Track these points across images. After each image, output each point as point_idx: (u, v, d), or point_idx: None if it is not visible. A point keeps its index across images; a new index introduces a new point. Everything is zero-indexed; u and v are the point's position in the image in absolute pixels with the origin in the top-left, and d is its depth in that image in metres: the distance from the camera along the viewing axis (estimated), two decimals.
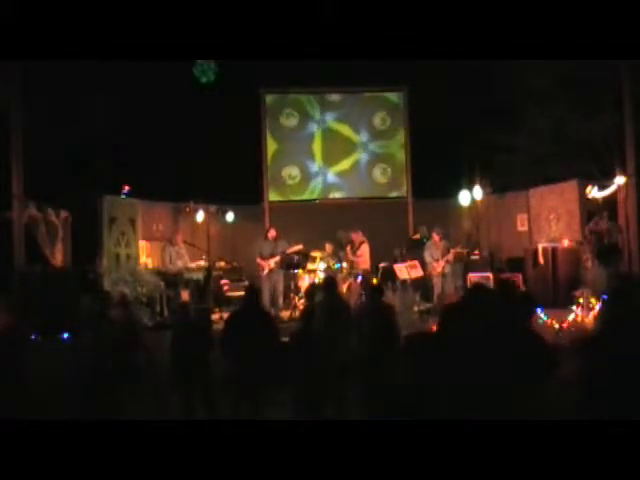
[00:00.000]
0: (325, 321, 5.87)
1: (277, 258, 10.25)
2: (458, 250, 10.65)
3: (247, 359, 5.51)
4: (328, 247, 10.84)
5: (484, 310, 4.67)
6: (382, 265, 11.55)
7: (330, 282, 6.53)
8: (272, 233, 10.54)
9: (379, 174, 13.99)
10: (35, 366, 5.85)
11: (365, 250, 10.76)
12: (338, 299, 6.44)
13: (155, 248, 11.48)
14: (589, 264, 9.96)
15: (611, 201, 10.43)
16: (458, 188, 11.97)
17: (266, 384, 5.63)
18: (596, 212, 10.50)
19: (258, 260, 10.31)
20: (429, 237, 11.32)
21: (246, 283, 10.39)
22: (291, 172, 13.88)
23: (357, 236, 10.83)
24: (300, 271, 10.68)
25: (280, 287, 10.44)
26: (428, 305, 9.64)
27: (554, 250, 10.70)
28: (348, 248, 10.86)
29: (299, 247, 10.39)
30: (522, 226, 12.63)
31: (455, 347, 4.19)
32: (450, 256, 10.42)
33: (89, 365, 5.73)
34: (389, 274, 10.78)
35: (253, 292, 6.10)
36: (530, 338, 4.24)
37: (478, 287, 5.41)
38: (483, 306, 4.73)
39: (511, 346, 4.16)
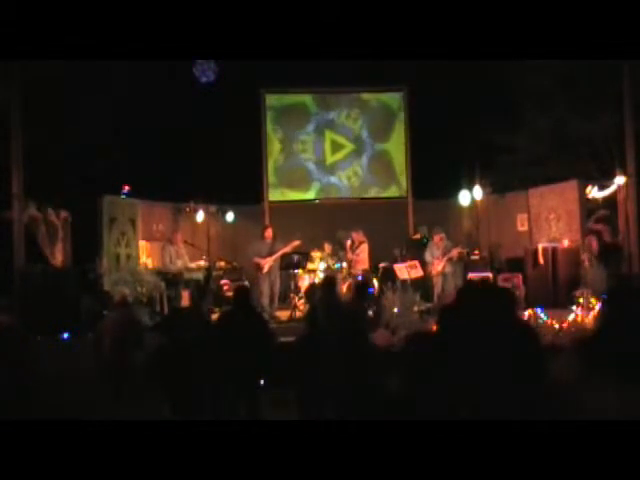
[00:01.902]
0: (324, 321, 5.86)
1: (275, 257, 10.21)
2: (459, 250, 10.66)
3: (236, 359, 5.48)
4: (327, 247, 10.84)
5: (480, 308, 4.66)
6: (382, 265, 11.55)
7: (330, 282, 6.52)
8: (269, 233, 10.50)
9: (380, 174, 14.00)
10: (35, 366, 5.85)
11: (364, 250, 10.76)
12: (338, 299, 6.42)
13: (155, 248, 11.48)
14: (589, 264, 9.96)
15: (611, 201, 10.44)
16: (458, 188, 11.97)
17: (259, 384, 5.62)
18: (595, 211, 10.52)
19: (257, 259, 10.23)
20: (429, 237, 11.32)
21: (246, 283, 10.39)
22: (291, 172, 13.88)
23: (357, 236, 10.83)
24: (300, 271, 10.67)
25: (277, 287, 10.40)
26: (428, 305, 9.64)
27: (554, 250, 10.70)
28: (348, 245, 10.87)
29: (297, 243, 10.33)
30: (522, 226, 12.63)
31: (454, 346, 4.19)
32: (453, 253, 10.42)
33: (89, 365, 5.73)
34: (389, 274, 10.78)
35: (242, 292, 6.06)
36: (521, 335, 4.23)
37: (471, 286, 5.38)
38: (478, 305, 4.71)
39: (505, 344, 4.16)
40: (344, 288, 10.09)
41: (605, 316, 4.05)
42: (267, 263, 10.13)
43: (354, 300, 6.60)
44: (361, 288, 6.33)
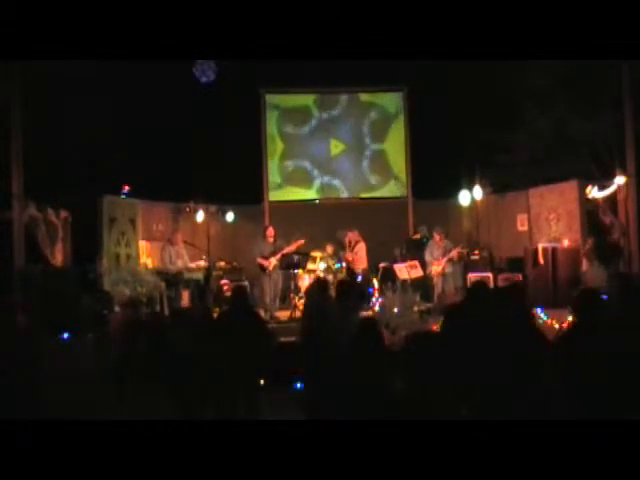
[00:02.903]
0: (314, 323, 5.86)
1: (278, 256, 10.24)
2: (459, 250, 10.67)
3: (233, 359, 5.48)
4: (329, 247, 10.84)
5: (485, 309, 4.66)
6: (382, 265, 11.56)
7: (322, 284, 6.49)
8: (270, 232, 10.53)
9: (380, 174, 14.00)
10: (35, 366, 5.85)
11: (362, 248, 10.78)
12: (330, 301, 6.38)
13: (155, 248, 11.48)
14: (588, 264, 9.96)
15: (611, 201, 10.43)
16: (458, 188, 11.98)
17: (255, 384, 5.62)
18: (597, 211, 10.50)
19: (260, 260, 10.25)
20: (429, 237, 11.34)
21: (245, 283, 10.39)
22: (292, 172, 13.88)
23: (353, 235, 10.88)
24: (300, 271, 10.68)
25: (279, 287, 10.43)
26: (428, 305, 9.65)
27: (554, 250, 10.71)
28: (347, 243, 10.90)
29: (301, 242, 10.34)
30: (522, 226, 12.63)
31: (457, 347, 4.19)
32: (454, 253, 10.45)
33: (89, 365, 5.73)
34: (389, 274, 10.79)
35: (240, 292, 6.05)
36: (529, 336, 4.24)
37: (478, 286, 5.36)
38: (484, 305, 4.71)
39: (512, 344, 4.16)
40: None
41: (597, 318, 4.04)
42: (271, 263, 10.16)
43: (338, 301, 6.16)
44: (345, 288, 5.94)
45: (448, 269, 10.49)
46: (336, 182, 13.95)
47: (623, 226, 10.16)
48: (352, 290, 5.81)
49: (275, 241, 10.39)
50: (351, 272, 10.59)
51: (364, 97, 14.11)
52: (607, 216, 10.32)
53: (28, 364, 5.17)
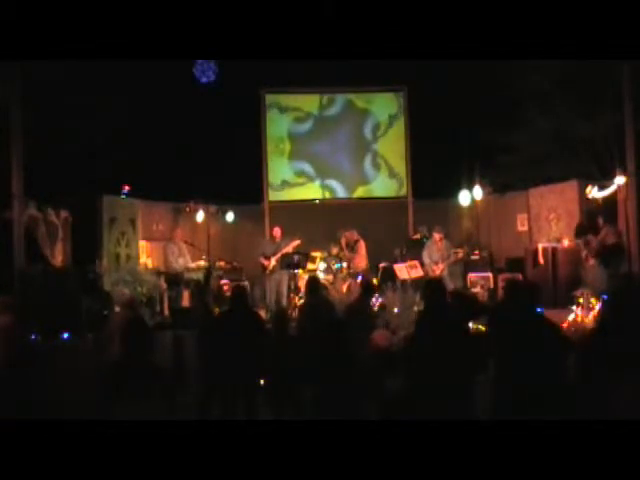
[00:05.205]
0: (306, 321, 5.89)
1: (277, 257, 10.29)
2: (459, 255, 10.66)
3: (232, 360, 5.48)
4: (334, 249, 10.84)
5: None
6: (382, 265, 11.55)
7: (313, 283, 6.53)
8: (277, 232, 10.61)
9: (380, 174, 14.00)
10: (35, 366, 5.85)
11: (362, 246, 10.78)
12: (321, 300, 6.42)
13: (155, 248, 11.49)
14: (589, 264, 9.94)
15: (611, 201, 10.41)
16: (458, 188, 11.97)
17: (254, 385, 5.62)
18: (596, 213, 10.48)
19: (261, 260, 10.32)
20: (429, 237, 11.33)
21: (245, 283, 10.40)
22: (293, 172, 13.87)
23: (351, 235, 10.87)
24: (300, 271, 10.69)
25: (283, 288, 10.44)
26: None
27: (554, 250, 10.70)
28: (343, 244, 10.91)
29: (297, 242, 10.39)
30: (522, 226, 12.63)
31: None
32: (452, 259, 10.46)
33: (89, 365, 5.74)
34: (389, 274, 10.78)
35: (239, 292, 6.06)
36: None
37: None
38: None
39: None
40: (344, 288, 10.12)
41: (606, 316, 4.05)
42: (270, 263, 10.22)
43: (361, 301, 6.74)
44: (367, 288, 6.43)
45: (446, 271, 10.49)
46: (337, 182, 13.94)
47: (619, 229, 10.14)
48: (374, 292, 6.15)
49: (280, 241, 10.48)
50: (353, 272, 10.57)
51: (364, 97, 14.10)
52: (601, 220, 10.31)
53: (25, 364, 5.17)
